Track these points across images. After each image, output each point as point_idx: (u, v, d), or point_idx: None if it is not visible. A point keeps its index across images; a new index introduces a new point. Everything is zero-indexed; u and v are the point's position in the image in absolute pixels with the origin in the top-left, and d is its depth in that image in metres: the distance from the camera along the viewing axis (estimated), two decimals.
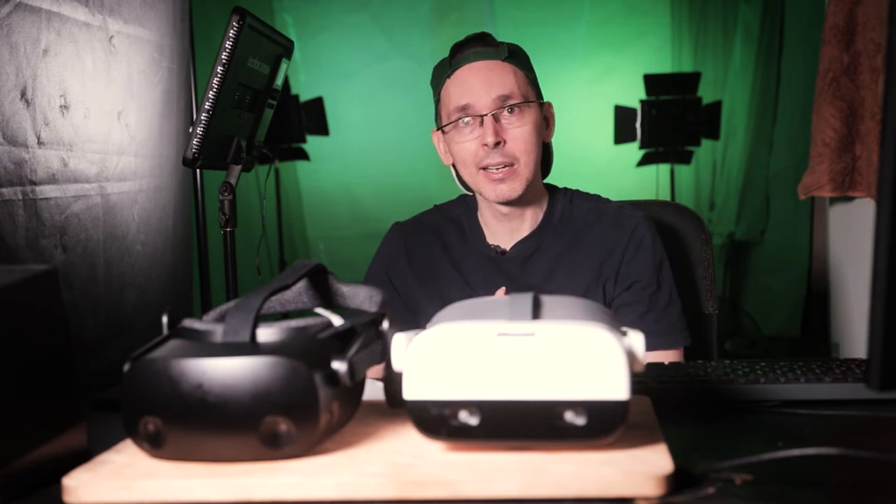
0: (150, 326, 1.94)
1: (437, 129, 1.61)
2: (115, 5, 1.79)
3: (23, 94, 1.49)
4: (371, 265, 1.69)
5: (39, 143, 1.54)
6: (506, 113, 1.52)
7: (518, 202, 1.56)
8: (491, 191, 1.53)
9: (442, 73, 1.58)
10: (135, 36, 1.89)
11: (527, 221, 1.60)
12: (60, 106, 1.60)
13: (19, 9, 1.47)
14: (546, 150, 1.65)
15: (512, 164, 1.52)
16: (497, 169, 1.52)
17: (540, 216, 1.61)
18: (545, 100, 1.62)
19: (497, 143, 1.50)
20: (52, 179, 1.59)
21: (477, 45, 1.55)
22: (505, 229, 1.61)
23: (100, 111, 1.75)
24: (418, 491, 0.78)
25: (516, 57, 1.56)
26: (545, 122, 1.61)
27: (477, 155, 1.52)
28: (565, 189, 1.66)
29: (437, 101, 1.61)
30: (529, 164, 1.53)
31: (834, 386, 1.07)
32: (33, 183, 1.53)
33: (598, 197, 1.66)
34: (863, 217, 2.92)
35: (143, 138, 1.94)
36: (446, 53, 1.59)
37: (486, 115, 1.51)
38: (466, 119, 1.53)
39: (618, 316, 1.49)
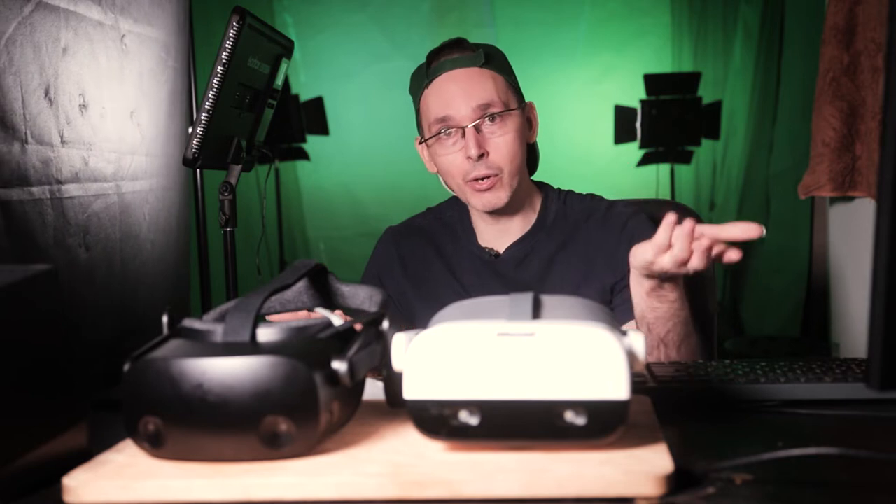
0: (159, 324, 1.94)
1: (421, 143, 1.59)
2: (125, 4, 1.80)
3: (46, 93, 1.50)
4: (365, 270, 1.69)
5: (63, 141, 1.55)
6: (487, 122, 1.50)
7: (505, 208, 1.55)
8: (477, 201, 1.53)
9: (420, 82, 1.55)
10: (144, 35, 1.89)
11: (518, 223, 1.60)
12: (80, 105, 1.60)
13: (40, 8, 1.48)
14: (531, 149, 1.64)
15: (496, 175, 1.51)
16: (482, 181, 1.51)
17: (532, 217, 1.61)
18: (536, 102, 1.61)
19: (481, 155, 1.49)
20: (76, 178, 1.60)
21: (453, 52, 1.53)
22: (496, 232, 1.60)
23: (114, 110, 1.76)
24: (418, 491, 0.78)
25: (494, 61, 1.54)
26: (528, 123, 1.59)
27: (462, 167, 1.51)
28: (559, 190, 1.65)
29: (417, 112, 1.59)
30: (513, 172, 1.52)
31: (834, 386, 1.07)
32: (59, 182, 1.54)
33: (591, 196, 1.65)
34: (863, 217, 2.92)
35: (152, 137, 1.95)
36: None
37: (466, 126, 1.49)
38: (448, 130, 1.51)
39: (621, 311, 1.48)
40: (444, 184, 1.65)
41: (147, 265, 1.91)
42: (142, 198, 1.89)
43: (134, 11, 1.84)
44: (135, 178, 1.85)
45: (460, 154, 1.51)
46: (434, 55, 1.54)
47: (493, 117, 1.50)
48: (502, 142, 1.51)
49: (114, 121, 1.75)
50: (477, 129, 1.50)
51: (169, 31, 2.03)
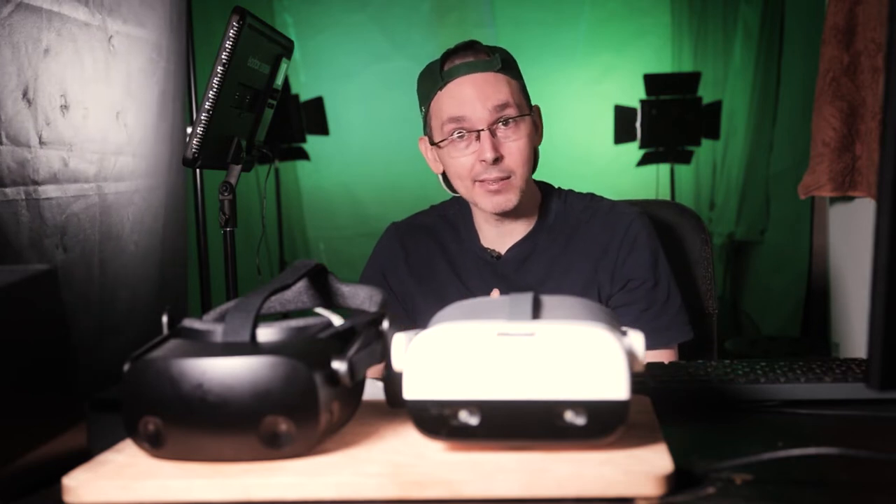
0: (141, 326, 1.95)
1: (431, 145, 1.58)
2: (114, 5, 1.79)
3: (24, 94, 1.49)
4: (367, 265, 1.68)
5: (41, 142, 1.54)
6: (501, 126, 1.50)
7: (512, 210, 1.55)
8: (487, 203, 1.52)
9: (432, 85, 1.54)
10: (134, 36, 1.89)
11: (520, 224, 1.60)
12: (61, 106, 1.60)
13: (20, 8, 1.47)
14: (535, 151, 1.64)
15: (508, 177, 1.51)
16: (493, 182, 1.50)
17: (534, 218, 1.60)
18: (536, 102, 1.61)
19: (496, 159, 1.49)
20: (54, 179, 1.59)
21: (468, 56, 1.52)
22: (498, 232, 1.60)
23: (98, 111, 1.75)
24: (418, 491, 0.78)
25: (509, 66, 1.53)
26: (535, 127, 1.59)
27: (473, 169, 1.51)
28: (559, 189, 1.65)
29: (427, 113, 1.57)
30: (524, 175, 1.52)
31: (834, 386, 1.06)
32: (35, 183, 1.53)
33: (592, 196, 1.65)
34: (863, 217, 2.92)
35: (140, 138, 1.95)
36: None
37: (482, 129, 1.49)
38: (461, 133, 1.51)
39: (616, 315, 1.48)
40: (443, 185, 1.64)
41: (129, 266, 1.91)
42: (126, 199, 1.88)
43: (124, 12, 1.83)
44: (119, 179, 1.84)
45: (473, 157, 1.50)
46: (448, 58, 1.53)
47: (507, 121, 1.50)
48: (516, 146, 1.50)
49: (97, 121, 1.75)
50: (492, 132, 1.49)
51: (161, 31, 2.03)
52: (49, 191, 1.57)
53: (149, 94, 1.99)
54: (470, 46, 1.54)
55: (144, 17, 1.94)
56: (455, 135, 1.51)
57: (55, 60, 1.58)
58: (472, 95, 1.50)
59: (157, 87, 2.02)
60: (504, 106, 1.49)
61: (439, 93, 1.53)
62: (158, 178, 2.06)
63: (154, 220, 2.04)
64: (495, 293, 1.47)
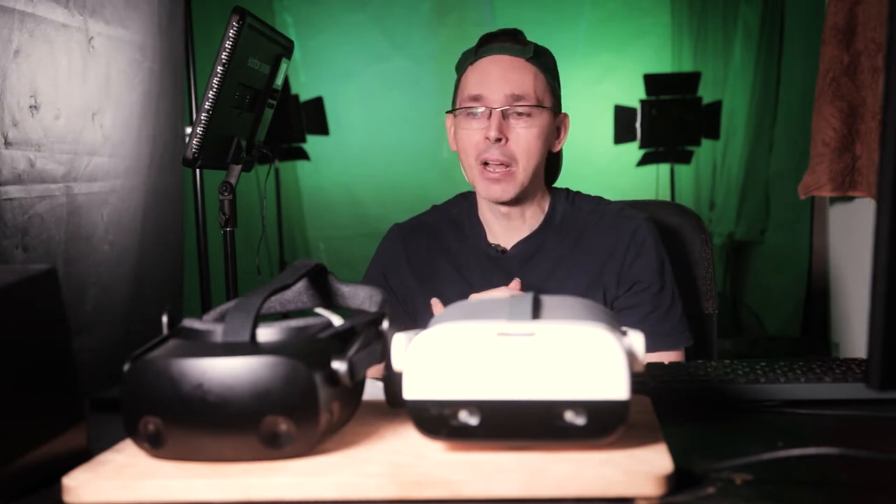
0: (112, 325, 1.93)
1: (450, 112, 1.61)
2: (97, 7, 1.79)
3: None
4: (369, 267, 1.69)
5: (6, 143, 1.54)
6: (515, 113, 1.52)
7: (512, 203, 1.56)
8: (484, 189, 1.54)
9: (466, 59, 1.59)
10: (116, 37, 1.88)
11: (527, 221, 1.60)
12: (30, 106, 1.59)
13: None
14: (555, 159, 1.65)
15: (510, 165, 1.52)
16: (495, 168, 1.52)
17: (541, 216, 1.61)
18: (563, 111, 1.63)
19: (499, 140, 1.51)
20: (18, 180, 1.59)
21: (506, 40, 1.57)
22: (504, 228, 1.61)
23: (72, 112, 1.74)
24: (418, 491, 0.77)
25: (541, 58, 1.57)
26: (556, 131, 1.60)
27: (478, 146, 1.53)
28: (567, 190, 1.66)
29: (456, 86, 1.62)
30: (528, 168, 1.53)
31: (834, 386, 1.07)
32: None
33: (599, 198, 1.65)
34: (863, 217, 2.92)
35: (118, 139, 1.94)
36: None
37: (495, 108, 1.51)
38: (475, 110, 1.53)
39: (621, 317, 1.49)
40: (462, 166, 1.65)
41: (101, 267, 1.90)
42: (100, 199, 1.87)
43: (107, 14, 1.83)
44: (91, 180, 1.84)
45: (480, 133, 1.53)
46: (487, 38, 1.58)
47: (521, 110, 1.52)
48: (523, 134, 1.53)
49: (70, 122, 1.74)
50: (504, 114, 1.52)
51: (146, 33, 2.02)
52: (11, 191, 1.57)
53: (130, 94, 1.98)
54: (511, 32, 1.59)
55: (128, 18, 1.93)
56: (470, 110, 1.54)
57: (26, 61, 1.58)
58: (495, 76, 1.54)
59: (139, 87, 2.01)
60: (522, 95, 1.52)
61: (469, 67, 1.57)
62: (139, 178, 2.05)
63: (132, 221, 2.03)
64: (515, 284, 1.48)
